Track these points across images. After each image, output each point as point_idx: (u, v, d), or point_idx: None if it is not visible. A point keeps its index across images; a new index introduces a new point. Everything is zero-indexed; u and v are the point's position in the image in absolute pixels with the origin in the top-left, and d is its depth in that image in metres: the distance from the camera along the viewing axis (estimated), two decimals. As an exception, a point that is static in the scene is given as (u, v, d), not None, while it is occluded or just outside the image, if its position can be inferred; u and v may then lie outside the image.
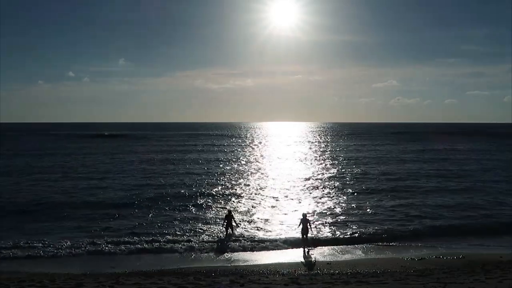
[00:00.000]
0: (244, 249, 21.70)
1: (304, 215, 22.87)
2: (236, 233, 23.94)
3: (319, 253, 21.20)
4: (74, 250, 21.12)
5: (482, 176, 45.03)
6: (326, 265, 18.70)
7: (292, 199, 33.47)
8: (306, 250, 21.62)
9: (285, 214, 28.64)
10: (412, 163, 58.50)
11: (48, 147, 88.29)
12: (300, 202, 32.39)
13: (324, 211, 29.45)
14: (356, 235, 23.90)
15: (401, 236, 23.87)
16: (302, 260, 20.12)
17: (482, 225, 26.02)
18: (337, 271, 17.54)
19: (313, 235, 23.07)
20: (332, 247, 22.21)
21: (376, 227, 25.15)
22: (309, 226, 22.22)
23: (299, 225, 22.49)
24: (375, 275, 16.86)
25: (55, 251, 20.93)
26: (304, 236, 22.14)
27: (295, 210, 29.47)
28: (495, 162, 59.09)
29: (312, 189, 38.15)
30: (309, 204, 31.60)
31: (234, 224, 24.40)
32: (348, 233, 24.13)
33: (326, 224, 26.10)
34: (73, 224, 25.82)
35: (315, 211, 29.50)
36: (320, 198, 33.87)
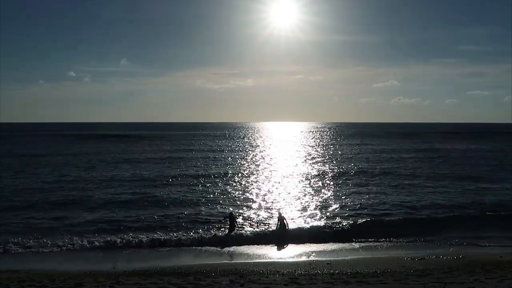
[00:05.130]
0: (245, 249, 21.74)
1: (280, 213, 24.38)
2: (237, 234, 23.96)
3: (319, 253, 21.22)
4: (74, 249, 21.20)
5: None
6: (326, 265, 18.70)
7: (293, 199, 33.49)
8: (285, 247, 22.14)
9: (286, 213, 28.63)
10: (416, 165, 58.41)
11: (48, 148, 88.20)
12: (300, 202, 32.41)
13: (323, 210, 29.51)
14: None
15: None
16: (302, 260, 20.15)
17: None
18: (337, 271, 17.54)
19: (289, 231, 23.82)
20: (331, 246, 22.30)
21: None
22: (285, 223, 23.62)
23: (277, 223, 23.76)
24: (375, 275, 16.86)
25: (55, 250, 21.00)
26: (282, 233, 23.29)
27: (297, 210, 29.59)
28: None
29: (313, 188, 38.14)
30: (309, 204, 31.63)
31: (235, 225, 24.51)
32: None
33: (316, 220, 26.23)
34: (72, 224, 25.86)
35: (314, 210, 29.58)
36: (321, 198, 33.90)
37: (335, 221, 26.62)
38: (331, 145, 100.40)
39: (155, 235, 23.45)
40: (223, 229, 24.78)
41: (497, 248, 21.75)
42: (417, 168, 50.92)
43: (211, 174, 46.80)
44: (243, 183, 41.33)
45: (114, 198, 32.74)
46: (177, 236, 23.37)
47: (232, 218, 24.55)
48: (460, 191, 35.99)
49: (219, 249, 21.93)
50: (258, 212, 29.19)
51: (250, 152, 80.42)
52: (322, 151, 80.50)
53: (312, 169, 51.91)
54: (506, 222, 26.24)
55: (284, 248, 22.08)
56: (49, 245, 21.51)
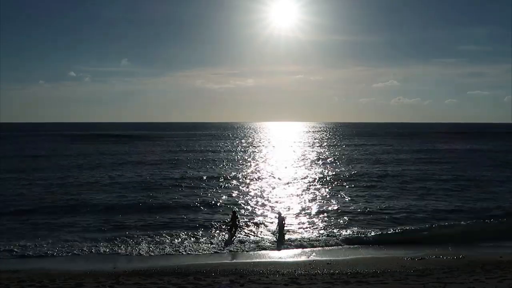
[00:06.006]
0: (246, 249, 21.73)
1: (280, 214, 24.22)
2: (239, 233, 23.99)
3: (318, 253, 21.21)
4: (74, 250, 21.19)
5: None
6: (326, 265, 18.69)
7: (293, 200, 33.49)
8: (284, 249, 21.85)
9: (288, 214, 28.62)
10: (416, 165, 58.33)
11: (48, 149, 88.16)
12: (298, 202, 32.43)
13: (324, 212, 29.48)
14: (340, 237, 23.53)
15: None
16: (302, 260, 20.14)
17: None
18: (337, 271, 17.54)
19: (286, 233, 23.57)
20: (330, 247, 22.28)
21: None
22: (284, 224, 23.54)
23: (277, 224, 23.68)
24: (375, 275, 16.86)
25: (56, 251, 21.00)
26: (281, 234, 23.14)
27: (298, 211, 29.61)
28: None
29: (314, 189, 38.14)
30: (310, 205, 31.63)
31: (237, 224, 24.53)
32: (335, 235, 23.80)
33: (320, 226, 26.15)
34: (73, 225, 25.85)
35: (316, 211, 29.57)
36: (321, 199, 33.89)
37: (337, 228, 25.43)
38: (332, 146, 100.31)
39: (157, 237, 23.43)
40: (225, 228, 24.74)
41: (497, 248, 21.72)
42: (420, 171, 50.27)
43: (213, 176, 46.77)
44: (246, 184, 41.28)
45: (117, 202, 32.16)
46: (179, 237, 23.36)
47: (234, 216, 24.56)
48: (464, 194, 35.18)
49: (219, 249, 21.87)
50: (260, 213, 29.16)
51: (252, 153, 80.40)
52: (324, 152, 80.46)
53: (315, 171, 51.85)
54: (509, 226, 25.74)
55: (284, 248, 22.03)
56: (51, 250, 21.29)
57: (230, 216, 24.95)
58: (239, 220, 25.00)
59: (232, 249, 21.79)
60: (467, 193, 35.74)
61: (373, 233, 23.95)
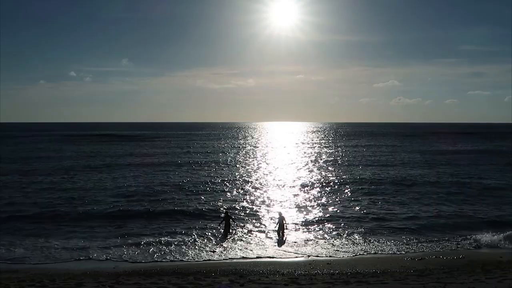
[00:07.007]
0: (246, 249, 21.69)
1: (280, 214, 24.40)
2: (234, 233, 23.97)
3: (318, 253, 21.17)
4: (75, 252, 21.18)
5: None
6: (326, 265, 18.68)
7: (294, 201, 33.49)
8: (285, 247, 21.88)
9: (288, 215, 28.62)
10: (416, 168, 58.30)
11: (48, 149, 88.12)
12: (298, 203, 32.43)
13: (322, 214, 29.47)
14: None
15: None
16: (302, 260, 20.12)
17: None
18: (337, 271, 17.54)
19: (287, 233, 23.67)
20: (331, 246, 22.23)
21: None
22: (284, 223, 23.72)
23: (277, 224, 23.89)
24: (375, 275, 16.87)
25: (56, 252, 20.99)
26: (280, 233, 23.43)
27: (299, 211, 29.62)
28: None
29: (314, 191, 38.14)
30: (308, 206, 31.62)
31: (231, 224, 24.51)
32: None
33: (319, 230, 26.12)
34: (75, 227, 25.84)
35: (313, 215, 29.56)
36: (323, 200, 33.88)
37: (337, 232, 24.75)
38: (333, 146, 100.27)
39: (157, 239, 23.44)
40: (219, 228, 24.66)
41: (497, 248, 21.69)
42: (422, 173, 50.00)
43: (213, 178, 46.77)
44: (247, 185, 41.23)
45: (117, 204, 31.85)
46: (179, 239, 23.36)
47: (227, 217, 24.54)
48: (468, 198, 34.10)
49: (219, 249, 21.84)
50: (260, 213, 29.13)
51: (253, 154, 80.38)
52: (326, 154, 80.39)
53: (316, 173, 51.82)
54: None
55: (284, 248, 21.99)
56: (52, 252, 21.17)
57: (223, 216, 24.97)
58: (233, 218, 25.07)
59: (230, 250, 21.73)
60: (475, 198, 34.32)
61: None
